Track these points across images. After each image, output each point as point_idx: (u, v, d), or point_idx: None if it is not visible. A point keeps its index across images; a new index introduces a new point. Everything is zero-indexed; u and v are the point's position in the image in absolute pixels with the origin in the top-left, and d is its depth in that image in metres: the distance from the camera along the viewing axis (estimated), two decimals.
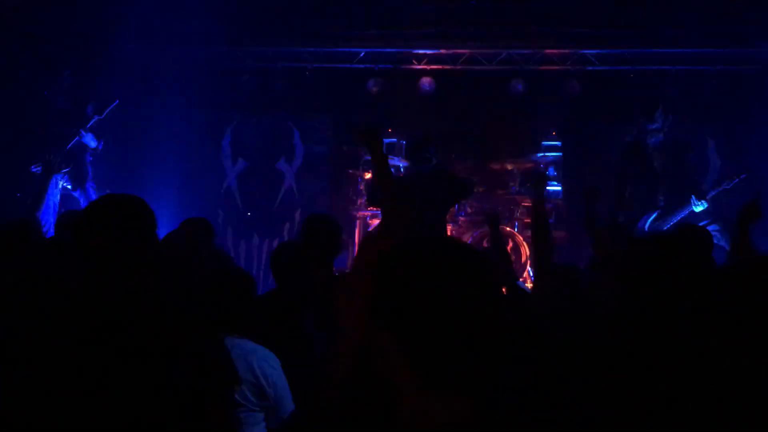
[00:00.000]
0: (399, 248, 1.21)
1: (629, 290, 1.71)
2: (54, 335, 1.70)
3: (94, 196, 7.07)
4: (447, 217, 7.60)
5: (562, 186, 8.26)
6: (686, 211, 5.75)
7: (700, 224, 5.62)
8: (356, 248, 7.75)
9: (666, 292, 1.64)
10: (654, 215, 5.94)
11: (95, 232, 1.78)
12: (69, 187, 7.02)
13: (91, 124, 6.87)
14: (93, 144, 6.97)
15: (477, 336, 1.10)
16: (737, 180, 5.76)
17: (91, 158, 7.10)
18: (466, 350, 1.10)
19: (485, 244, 6.98)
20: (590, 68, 8.29)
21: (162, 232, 3.80)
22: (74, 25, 7.59)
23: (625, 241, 3.96)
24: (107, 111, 6.92)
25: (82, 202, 6.94)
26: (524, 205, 7.72)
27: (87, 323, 1.69)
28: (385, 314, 1.15)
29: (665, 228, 5.83)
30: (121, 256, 1.77)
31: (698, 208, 5.68)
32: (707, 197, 5.70)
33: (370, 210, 7.63)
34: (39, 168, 6.80)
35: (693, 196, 5.71)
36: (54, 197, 6.92)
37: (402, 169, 7.79)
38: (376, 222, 7.60)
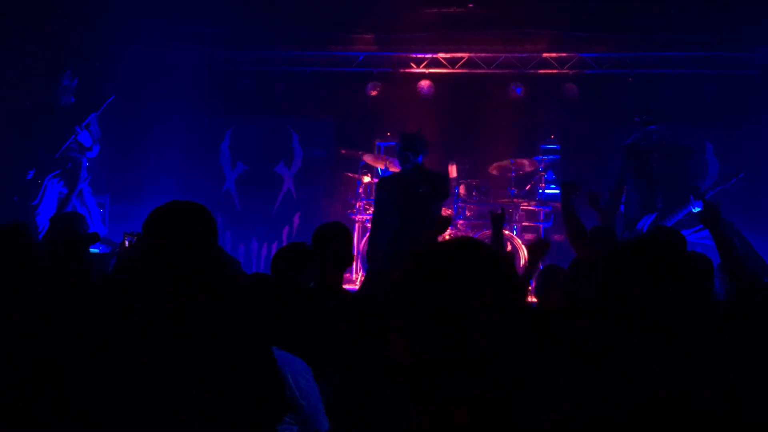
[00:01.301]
0: (414, 255, 1.18)
1: (617, 291, 1.68)
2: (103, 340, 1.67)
3: (89, 201, 7.06)
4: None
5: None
6: (684, 212, 5.74)
7: (699, 227, 5.64)
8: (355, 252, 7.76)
9: (654, 293, 1.61)
10: (653, 217, 5.94)
11: (167, 234, 1.77)
12: (65, 191, 7.00)
13: (87, 120, 6.85)
14: (88, 143, 6.92)
15: (485, 345, 1.08)
16: (735, 180, 5.76)
17: (87, 163, 7.08)
18: (473, 359, 1.08)
19: None
20: (589, 72, 8.31)
21: None
22: (72, 29, 7.59)
23: (610, 244, 3.94)
24: (103, 107, 6.90)
25: (78, 206, 6.92)
26: (522, 208, 7.71)
27: (157, 329, 1.67)
28: (396, 320, 1.13)
29: None
30: (191, 261, 1.76)
31: (697, 209, 5.69)
32: (705, 197, 5.71)
33: (369, 214, 7.63)
34: (32, 172, 6.79)
35: (691, 197, 5.73)
36: (51, 201, 6.92)
37: None
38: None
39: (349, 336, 2.48)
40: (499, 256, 1.18)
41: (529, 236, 7.58)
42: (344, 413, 2.23)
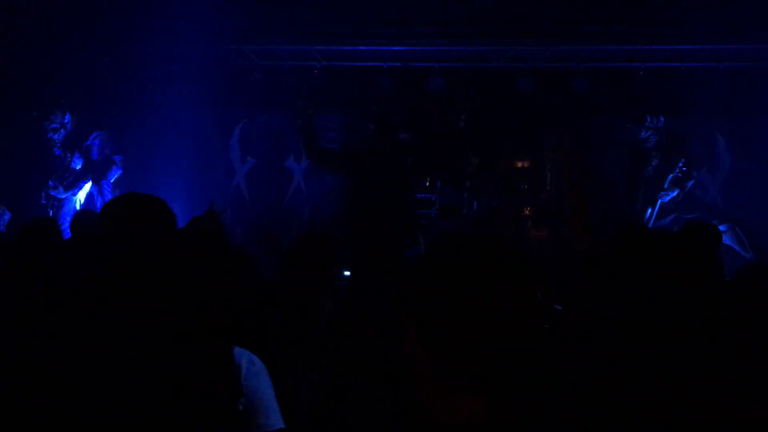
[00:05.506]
0: (435, 244, 1.20)
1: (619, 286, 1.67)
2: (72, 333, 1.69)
3: (108, 193, 7.15)
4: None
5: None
6: (658, 204, 5.82)
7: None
8: None
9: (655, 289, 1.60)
10: (656, 208, 5.97)
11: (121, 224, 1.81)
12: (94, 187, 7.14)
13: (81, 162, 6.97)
14: (78, 166, 7.06)
15: (496, 336, 1.08)
16: (678, 170, 5.85)
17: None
18: (483, 349, 1.08)
19: None
20: (599, 65, 8.26)
21: None
22: (79, 23, 7.62)
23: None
24: (95, 149, 7.04)
25: (95, 197, 7.01)
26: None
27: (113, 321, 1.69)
28: (410, 308, 1.14)
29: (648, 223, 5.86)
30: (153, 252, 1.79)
31: (668, 198, 5.80)
32: (665, 186, 5.80)
33: None
34: (56, 185, 6.90)
35: (660, 192, 5.82)
36: (73, 200, 7.00)
37: None
38: None
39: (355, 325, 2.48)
40: (517, 250, 1.18)
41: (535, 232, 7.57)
42: (346, 405, 2.22)
